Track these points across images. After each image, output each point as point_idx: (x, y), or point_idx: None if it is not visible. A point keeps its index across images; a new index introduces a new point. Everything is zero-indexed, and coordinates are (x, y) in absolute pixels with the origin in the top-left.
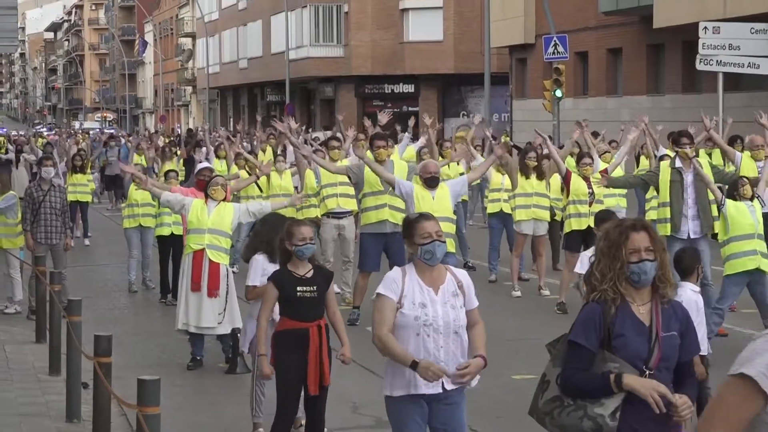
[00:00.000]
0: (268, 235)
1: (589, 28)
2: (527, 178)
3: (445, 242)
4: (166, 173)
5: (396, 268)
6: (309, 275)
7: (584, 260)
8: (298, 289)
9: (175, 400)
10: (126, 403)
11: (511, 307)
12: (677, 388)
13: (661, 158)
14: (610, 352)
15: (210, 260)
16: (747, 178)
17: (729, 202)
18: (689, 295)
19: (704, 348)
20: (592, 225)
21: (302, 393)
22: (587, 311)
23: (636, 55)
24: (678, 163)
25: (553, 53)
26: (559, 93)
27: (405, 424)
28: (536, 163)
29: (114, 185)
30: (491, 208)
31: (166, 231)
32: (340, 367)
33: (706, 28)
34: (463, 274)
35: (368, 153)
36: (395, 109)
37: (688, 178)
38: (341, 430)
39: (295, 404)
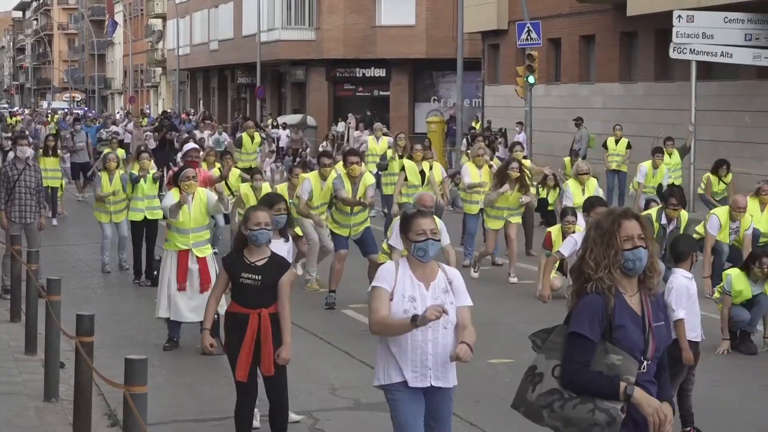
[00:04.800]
0: None
1: (562, 14)
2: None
3: (439, 240)
4: (138, 155)
5: (390, 262)
6: (260, 263)
7: (568, 242)
8: (243, 275)
9: (154, 380)
10: (112, 383)
11: (484, 292)
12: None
13: (647, 206)
14: (612, 344)
15: (197, 257)
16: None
17: (735, 272)
18: (680, 281)
19: (698, 334)
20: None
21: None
22: (589, 302)
23: (609, 42)
24: (663, 220)
25: (526, 39)
26: (531, 79)
27: (405, 411)
28: (518, 174)
29: (82, 173)
30: (469, 209)
31: (138, 216)
32: (318, 349)
33: (680, 16)
34: (453, 273)
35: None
36: (366, 93)
37: (668, 233)
38: (319, 412)
39: (251, 385)
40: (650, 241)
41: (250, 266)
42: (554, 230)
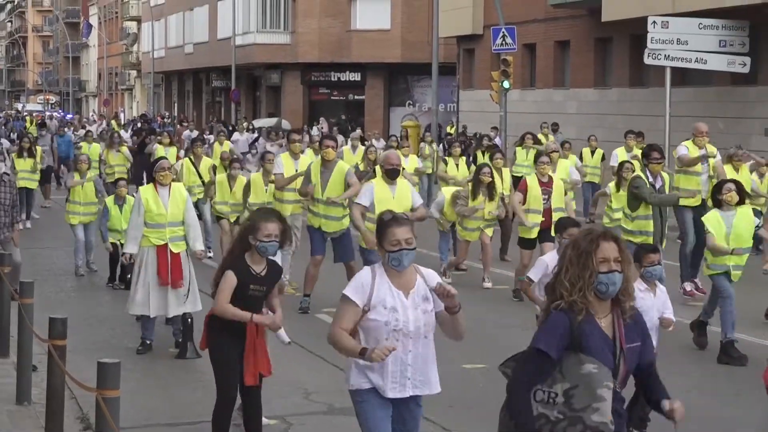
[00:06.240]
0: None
1: (537, 20)
2: (474, 197)
3: (414, 249)
4: (116, 181)
5: (366, 269)
6: (263, 273)
7: (539, 265)
8: (252, 287)
9: (127, 384)
10: (85, 386)
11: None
12: (648, 393)
13: (620, 166)
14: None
15: (172, 252)
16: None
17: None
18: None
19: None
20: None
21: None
22: (554, 321)
23: (584, 48)
24: (651, 178)
25: (501, 44)
26: (506, 84)
27: (374, 416)
28: (490, 180)
29: (46, 179)
30: (443, 226)
31: (113, 238)
32: (292, 353)
33: (654, 22)
34: (432, 278)
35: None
36: (341, 97)
37: (658, 190)
38: (293, 416)
39: (235, 387)
40: (627, 264)
41: (256, 277)
42: (530, 177)
